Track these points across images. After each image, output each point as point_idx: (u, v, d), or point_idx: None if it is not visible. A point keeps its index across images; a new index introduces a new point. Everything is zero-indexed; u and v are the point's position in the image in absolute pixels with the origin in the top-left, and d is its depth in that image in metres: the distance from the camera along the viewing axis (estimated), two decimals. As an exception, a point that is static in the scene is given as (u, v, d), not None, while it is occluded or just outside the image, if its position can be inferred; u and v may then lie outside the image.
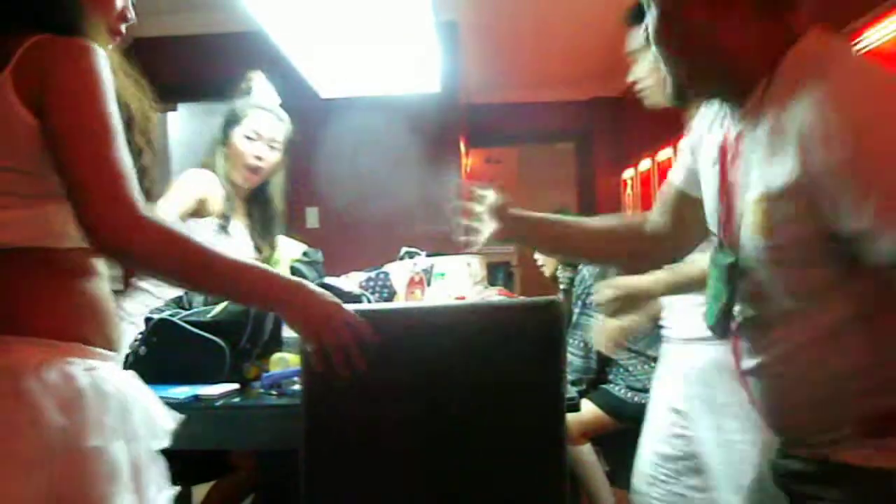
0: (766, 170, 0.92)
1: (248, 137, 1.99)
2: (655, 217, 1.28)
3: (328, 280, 1.78)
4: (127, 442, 0.95)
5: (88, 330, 0.98)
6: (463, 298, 2.26)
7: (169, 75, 4.47)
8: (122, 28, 1.15)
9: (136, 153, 1.05)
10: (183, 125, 5.20)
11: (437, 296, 2.13)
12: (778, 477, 1.05)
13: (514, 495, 1.27)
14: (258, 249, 2.08)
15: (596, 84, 5.51)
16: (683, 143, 1.23)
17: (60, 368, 0.92)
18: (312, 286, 1.07)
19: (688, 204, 1.19)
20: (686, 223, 1.22)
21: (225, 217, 1.99)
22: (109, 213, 0.91)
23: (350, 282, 1.99)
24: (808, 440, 0.99)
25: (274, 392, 1.50)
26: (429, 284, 2.14)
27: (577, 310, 2.71)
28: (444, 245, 2.42)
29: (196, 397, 1.46)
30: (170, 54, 4.35)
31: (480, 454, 1.26)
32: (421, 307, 1.63)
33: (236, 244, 2.03)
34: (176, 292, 1.79)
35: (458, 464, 1.26)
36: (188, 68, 4.24)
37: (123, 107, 1.02)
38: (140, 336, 1.65)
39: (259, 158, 1.99)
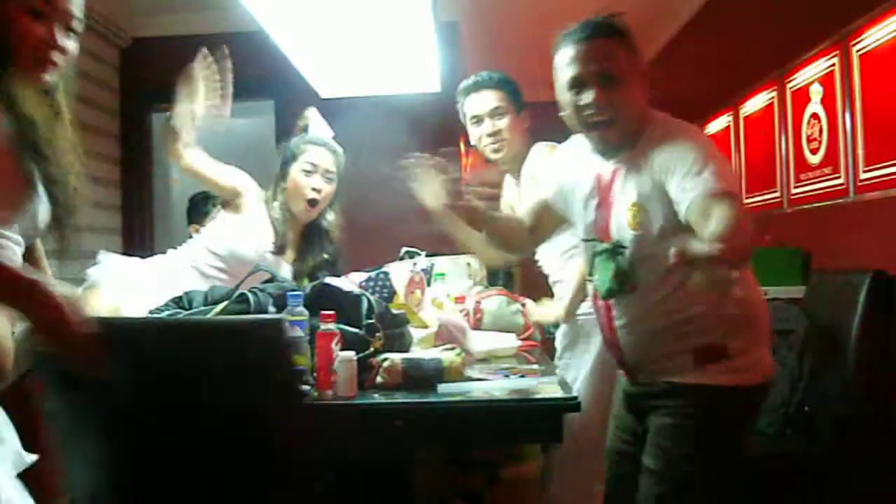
0: (637, 187, 1.47)
1: (306, 171, 2.10)
2: (525, 219, 1.82)
3: (329, 280, 1.77)
4: None
5: None
6: (462, 300, 2.26)
7: (169, 75, 4.47)
8: (54, 56, 1.17)
9: (42, 160, 1.12)
10: (183, 125, 5.21)
11: (438, 295, 2.13)
12: (629, 399, 1.63)
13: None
14: (297, 278, 2.14)
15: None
16: (552, 176, 1.74)
17: None
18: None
19: (549, 213, 1.75)
20: (544, 225, 1.80)
21: (280, 246, 2.11)
22: None
23: (349, 282, 2.00)
24: (656, 368, 1.52)
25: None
26: (429, 284, 2.14)
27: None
28: (444, 245, 2.42)
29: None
30: (170, 54, 4.35)
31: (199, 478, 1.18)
32: (153, 321, 1.56)
33: (281, 271, 2.08)
34: None
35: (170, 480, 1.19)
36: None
37: (27, 119, 1.09)
38: None
39: (317, 190, 2.11)
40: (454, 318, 1.90)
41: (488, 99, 2.23)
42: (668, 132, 1.48)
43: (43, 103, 1.17)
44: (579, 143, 1.65)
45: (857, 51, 2.75)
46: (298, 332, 1.53)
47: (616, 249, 1.50)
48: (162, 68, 4.33)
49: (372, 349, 1.59)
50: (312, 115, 2.23)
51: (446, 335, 1.80)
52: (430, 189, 1.90)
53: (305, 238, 2.22)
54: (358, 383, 1.49)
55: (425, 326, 1.84)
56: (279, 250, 2.11)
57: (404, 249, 2.39)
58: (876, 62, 2.65)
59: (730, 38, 3.96)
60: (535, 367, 1.80)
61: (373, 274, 1.96)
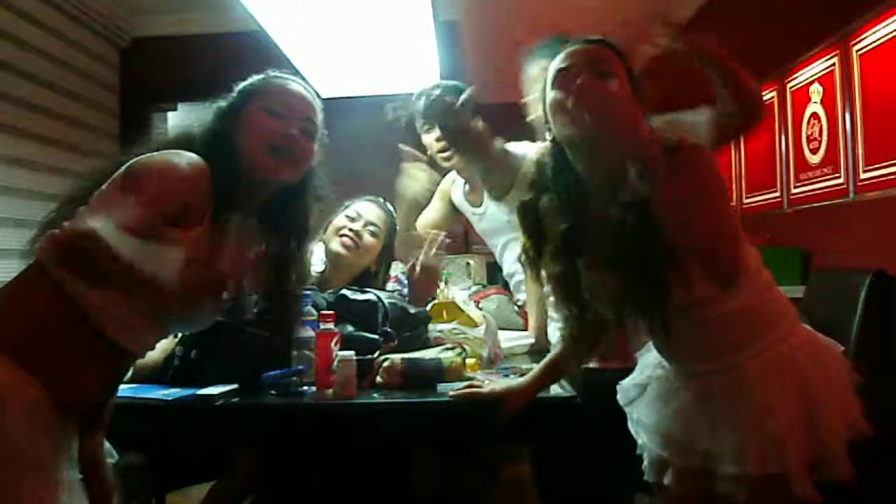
0: None
1: (349, 217, 2.14)
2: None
3: (345, 291, 1.79)
4: None
5: None
6: (478, 299, 2.27)
7: (169, 75, 4.48)
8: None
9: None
10: (183, 125, 5.21)
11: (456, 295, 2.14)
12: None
13: None
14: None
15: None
16: None
17: None
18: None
19: None
20: None
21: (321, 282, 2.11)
22: None
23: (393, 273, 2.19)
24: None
25: (274, 392, 1.50)
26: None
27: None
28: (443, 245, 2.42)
29: (196, 397, 1.46)
30: (170, 54, 4.35)
31: None
32: None
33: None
34: None
35: None
36: (188, 68, 4.24)
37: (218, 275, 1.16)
38: (187, 337, 1.63)
39: (354, 232, 2.10)
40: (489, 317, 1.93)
41: None
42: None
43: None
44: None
45: (857, 51, 2.75)
46: (310, 332, 1.54)
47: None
48: (162, 68, 4.38)
49: (377, 353, 1.61)
50: None
51: (491, 332, 1.84)
52: (411, 184, 2.18)
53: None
54: (359, 384, 1.49)
55: (475, 324, 1.85)
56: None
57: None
58: (876, 62, 2.65)
59: (729, 37, 3.96)
60: (535, 366, 1.80)
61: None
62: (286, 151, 1.27)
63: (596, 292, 1.34)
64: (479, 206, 2.31)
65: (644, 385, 1.47)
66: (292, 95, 1.33)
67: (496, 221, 2.25)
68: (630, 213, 1.25)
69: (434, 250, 2.07)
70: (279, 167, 1.26)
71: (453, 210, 2.49)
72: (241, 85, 1.34)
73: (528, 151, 2.00)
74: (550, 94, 1.35)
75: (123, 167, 1.10)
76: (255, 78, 1.36)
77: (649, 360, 1.49)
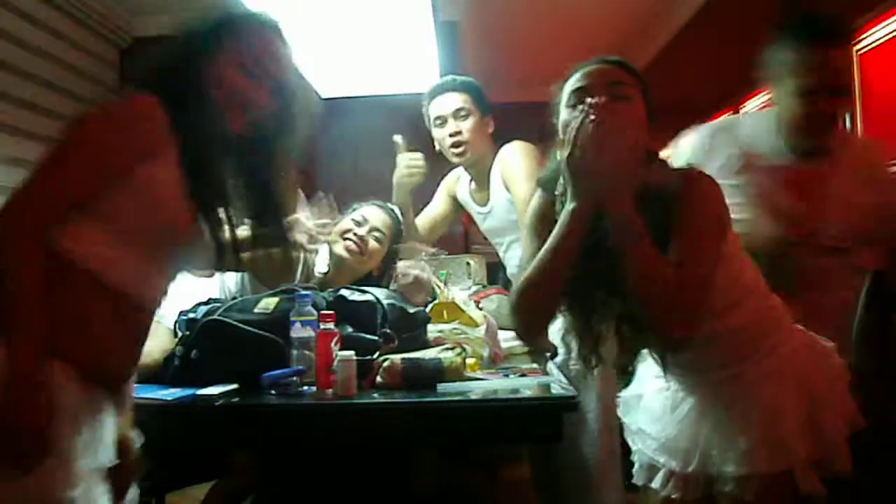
0: None
1: (355, 221, 2.13)
2: None
3: (344, 291, 1.79)
4: None
5: None
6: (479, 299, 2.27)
7: (169, 75, 4.47)
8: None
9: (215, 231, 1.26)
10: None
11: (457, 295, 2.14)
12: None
13: None
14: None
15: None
16: None
17: None
18: (39, 381, 1.05)
19: None
20: None
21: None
22: None
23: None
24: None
25: (273, 392, 1.50)
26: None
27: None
28: (443, 245, 2.42)
29: (196, 397, 1.46)
30: (170, 54, 4.34)
31: None
32: None
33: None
34: None
35: None
36: (188, 68, 4.24)
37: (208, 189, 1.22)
38: (187, 337, 1.64)
39: (359, 237, 2.10)
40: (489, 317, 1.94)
41: (453, 100, 2.25)
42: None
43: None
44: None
45: (857, 51, 2.75)
46: (309, 332, 1.54)
47: None
48: (162, 68, 4.37)
49: (377, 353, 1.61)
50: None
51: (492, 332, 1.84)
52: (406, 173, 2.29)
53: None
54: (359, 384, 1.49)
55: (476, 324, 1.85)
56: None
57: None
58: (876, 62, 2.65)
59: (730, 37, 3.96)
60: (535, 366, 1.80)
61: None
62: (251, 112, 1.27)
63: (602, 310, 1.35)
64: (485, 204, 2.31)
65: (641, 396, 1.50)
66: (268, 53, 1.31)
67: (502, 220, 2.26)
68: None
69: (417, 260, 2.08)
70: (240, 121, 1.27)
71: (456, 206, 2.50)
72: (216, 20, 1.29)
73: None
74: (564, 113, 1.34)
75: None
76: (230, 14, 1.32)
77: (646, 373, 1.50)
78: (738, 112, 4.05)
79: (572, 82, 1.36)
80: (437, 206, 2.50)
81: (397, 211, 2.23)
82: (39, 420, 1.02)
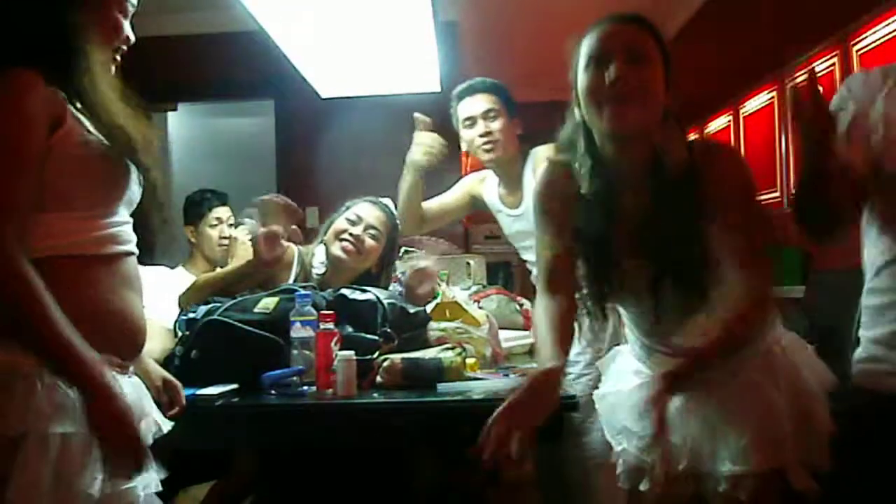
0: None
1: (350, 220, 2.11)
2: None
3: (344, 291, 1.79)
4: None
5: None
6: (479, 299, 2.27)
7: (169, 75, 4.47)
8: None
9: (144, 172, 1.18)
10: (183, 125, 5.20)
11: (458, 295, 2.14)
12: None
13: None
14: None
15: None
16: None
17: None
18: (119, 390, 1.07)
19: None
20: None
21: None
22: None
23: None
24: None
25: (273, 392, 1.50)
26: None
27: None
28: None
29: (196, 397, 1.46)
30: (170, 54, 4.34)
31: None
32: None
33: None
34: None
35: None
36: (188, 68, 4.24)
37: (120, 131, 1.13)
38: (187, 337, 1.65)
39: (355, 237, 2.08)
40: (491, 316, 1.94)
41: (482, 101, 2.26)
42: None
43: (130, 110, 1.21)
44: None
45: (857, 51, 2.75)
46: (309, 332, 1.54)
47: None
48: (162, 68, 4.37)
49: (377, 353, 1.61)
50: None
51: (494, 331, 1.84)
52: (421, 151, 2.28)
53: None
54: (359, 384, 1.49)
55: (478, 323, 1.85)
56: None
57: (403, 249, 2.40)
58: (876, 62, 2.65)
59: (730, 37, 3.96)
60: (536, 365, 1.80)
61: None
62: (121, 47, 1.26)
63: (631, 281, 1.34)
64: (517, 207, 2.29)
65: (621, 392, 1.45)
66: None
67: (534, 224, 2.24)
68: (664, 197, 1.27)
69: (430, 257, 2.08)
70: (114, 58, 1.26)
71: (471, 206, 2.48)
72: None
73: None
74: (582, 78, 1.30)
75: None
76: None
77: (619, 369, 1.48)
78: (737, 112, 4.05)
79: (589, 43, 1.30)
80: (451, 199, 2.48)
81: (391, 205, 2.21)
82: (134, 423, 1.08)
